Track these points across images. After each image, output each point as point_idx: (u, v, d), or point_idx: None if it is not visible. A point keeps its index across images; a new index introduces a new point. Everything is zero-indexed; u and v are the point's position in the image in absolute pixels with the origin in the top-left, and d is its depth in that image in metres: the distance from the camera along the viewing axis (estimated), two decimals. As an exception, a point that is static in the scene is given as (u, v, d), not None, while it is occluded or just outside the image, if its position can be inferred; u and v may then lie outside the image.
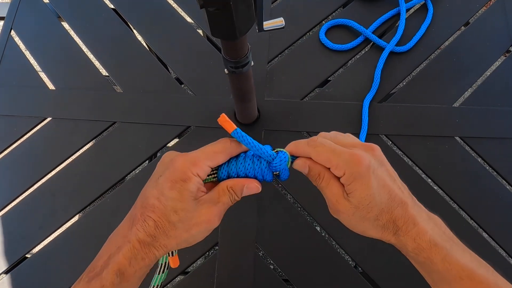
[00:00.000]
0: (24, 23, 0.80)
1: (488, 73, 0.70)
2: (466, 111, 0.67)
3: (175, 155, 0.33)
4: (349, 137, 0.36)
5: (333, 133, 0.36)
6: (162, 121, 0.69)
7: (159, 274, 0.35)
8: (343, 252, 0.59)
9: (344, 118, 0.67)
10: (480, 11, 0.76)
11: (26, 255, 0.64)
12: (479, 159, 0.64)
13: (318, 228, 0.61)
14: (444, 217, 0.34)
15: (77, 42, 0.77)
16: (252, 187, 0.34)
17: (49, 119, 0.71)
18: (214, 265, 0.59)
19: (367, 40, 0.73)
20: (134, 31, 0.79)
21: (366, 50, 0.73)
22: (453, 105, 0.68)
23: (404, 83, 0.70)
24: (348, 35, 0.74)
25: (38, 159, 0.68)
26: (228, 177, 0.35)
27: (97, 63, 0.76)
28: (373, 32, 0.73)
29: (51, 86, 0.74)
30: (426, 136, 0.66)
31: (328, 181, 0.33)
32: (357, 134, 0.65)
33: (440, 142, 0.65)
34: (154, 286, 0.35)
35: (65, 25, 0.80)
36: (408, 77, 0.71)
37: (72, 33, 0.79)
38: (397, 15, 0.74)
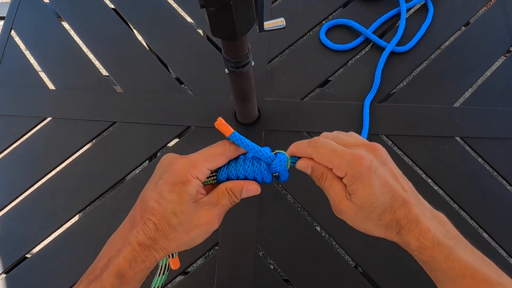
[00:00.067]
0: (24, 23, 0.80)
1: (488, 73, 0.70)
2: (467, 111, 0.67)
3: (174, 157, 0.33)
4: (352, 136, 0.35)
5: (335, 132, 0.36)
6: (162, 121, 0.69)
7: (159, 275, 0.35)
8: (343, 252, 0.59)
9: (344, 118, 0.67)
10: (480, 11, 0.76)
11: (26, 255, 0.64)
12: (480, 159, 0.64)
13: (318, 228, 0.61)
14: (445, 218, 0.34)
15: (77, 42, 0.77)
16: (252, 189, 0.34)
17: (49, 119, 0.71)
18: (214, 265, 0.59)
19: (367, 40, 0.73)
20: (134, 31, 0.78)
21: (367, 50, 0.73)
22: (453, 105, 0.68)
23: (405, 83, 0.70)
24: (349, 35, 0.74)
25: (38, 159, 0.68)
26: (228, 179, 0.35)
27: (97, 63, 0.76)
28: (373, 32, 0.73)
29: (51, 86, 0.74)
30: (426, 136, 0.66)
31: (330, 181, 0.33)
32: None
33: (441, 142, 0.65)
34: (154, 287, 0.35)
35: (65, 25, 0.79)
36: (409, 77, 0.71)
37: (72, 33, 0.79)
38: (398, 15, 0.74)
